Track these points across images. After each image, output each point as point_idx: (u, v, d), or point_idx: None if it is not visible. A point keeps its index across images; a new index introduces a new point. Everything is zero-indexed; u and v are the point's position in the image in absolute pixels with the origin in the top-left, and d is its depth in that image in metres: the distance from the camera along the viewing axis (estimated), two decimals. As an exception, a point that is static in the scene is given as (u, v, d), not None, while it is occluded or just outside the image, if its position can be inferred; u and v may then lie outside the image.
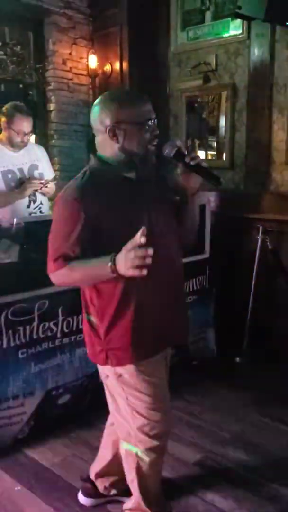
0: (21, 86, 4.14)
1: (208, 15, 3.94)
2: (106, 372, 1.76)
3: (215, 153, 4.26)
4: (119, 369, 1.69)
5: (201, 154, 4.41)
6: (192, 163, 1.64)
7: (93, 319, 1.71)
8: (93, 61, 4.46)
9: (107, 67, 4.43)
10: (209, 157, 4.25)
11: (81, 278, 1.61)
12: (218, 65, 3.90)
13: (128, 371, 1.69)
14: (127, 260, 1.39)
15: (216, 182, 1.66)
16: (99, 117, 1.62)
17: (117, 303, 1.63)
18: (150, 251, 1.36)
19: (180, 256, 1.82)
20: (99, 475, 2.06)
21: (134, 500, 1.87)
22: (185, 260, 3.13)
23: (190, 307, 3.29)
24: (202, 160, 1.68)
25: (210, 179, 1.67)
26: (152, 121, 1.62)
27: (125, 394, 1.72)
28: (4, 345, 2.33)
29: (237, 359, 3.49)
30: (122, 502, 2.01)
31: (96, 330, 1.70)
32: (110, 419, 2.00)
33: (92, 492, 2.07)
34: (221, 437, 2.58)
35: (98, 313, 1.68)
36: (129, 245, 1.39)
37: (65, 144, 4.40)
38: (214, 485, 2.19)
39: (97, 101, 1.66)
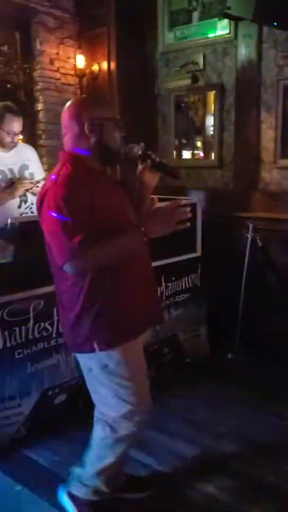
0: (8, 86, 4.11)
1: (195, 15, 3.97)
2: (90, 365, 1.83)
3: (203, 152, 4.30)
4: (105, 360, 1.78)
5: (188, 153, 4.45)
6: (157, 159, 1.84)
7: (78, 311, 1.76)
8: (80, 61, 4.46)
9: (95, 67, 4.43)
10: (197, 157, 4.29)
11: (114, 253, 1.69)
12: (206, 64, 3.94)
13: (113, 360, 1.77)
14: (171, 219, 1.68)
15: (176, 176, 1.90)
16: (76, 114, 1.76)
17: (105, 291, 1.74)
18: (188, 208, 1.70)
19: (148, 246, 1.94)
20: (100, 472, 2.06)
21: (91, 470, 1.94)
22: (177, 258, 3.24)
23: (183, 305, 3.33)
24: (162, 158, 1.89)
25: (171, 174, 1.90)
26: (121, 123, 1.81)
27: (110, 384, 1.81)
28: (0, 346, 2.32)
29: (229, 356, 3.54)
30: (123, 499, 2.04)
31: (82, 321, 1.76)
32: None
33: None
34: (216, 431, 2.61)
35: (86, 302, 1.74)
36: (170, 206, 1.69)
37: (53, 143, 4.39)
38: (212, 478, 2.23)
39: (71, 102, 1.82)
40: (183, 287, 3.33)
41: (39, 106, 4.39)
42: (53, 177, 1.70)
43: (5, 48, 4.09)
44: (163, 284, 3.14)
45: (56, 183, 1.67)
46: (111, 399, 1.83)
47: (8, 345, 2.36)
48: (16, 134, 3.01)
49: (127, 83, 4.33)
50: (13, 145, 3.05)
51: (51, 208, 1.64)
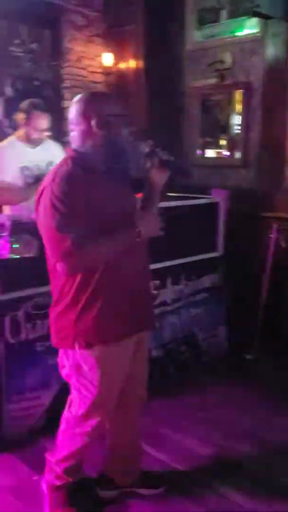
0: (36, 83, 4.17)
1: (223, 13, 3.95)
2: (64, 362, 1.85)
3: (228, 151, 4.28)
4: (81, 360, 1.78)
5: (213, 152, 4.43)
6: (164, 157, 1.82)
7: (65, 305, 1.77)
8: (108, 59, 4.49)
9: (122, 65, 4.46)
10: (222, 156, 4.28)
11: (107, 252, 1.70)
12: (233, 63, 3.91)
13: (89, 362, 1.77)
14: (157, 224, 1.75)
15: (186, 174, 1.93)
16: (83, 110, 1.73)
17: (94, 286, 1.72)
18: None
19: (145, 247, 1.91)
20: (111, 467, 2.11)
21: (55, 456, 1.97)
22: (197, 257, 3.24)
23: (202, 304, 3.33)
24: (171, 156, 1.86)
25: (180, 172, 1.91)
26: (127, 119, 1.81)
27: (78, 385, 1.83)
28: (23, 338, 2.37)
29: (248, 356, 3.52)
30: (139, 494, 2.07)
31: (66, 315, 1.77)
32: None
33: (108, 484, 2.11)
34: (232, 431, 2.61)
35: (73, 298, 1.74)
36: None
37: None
38: (226, 479, 2.23)
39: (78, 98, 1.78)
40: (203, 286, 3.33)
41: (66, 104, 4.44)
42: (51, 174, 1.71)
43: (34, 45, 4.14)
44: (183, 282, 3.15)
45: (53, 182, 1.66)
46: (76, 395, 1.87)
47: (31, 337, 2.41)
48: (42, 131, 3.05)
49: (154, 81, 4.34)
50: (40, 141, 3.10)
51: (46, 206, 1.64)
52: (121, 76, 4.47)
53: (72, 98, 4.31)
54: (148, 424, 2.64)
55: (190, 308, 3.27)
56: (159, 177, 1.87)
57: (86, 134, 1.73)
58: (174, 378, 3.12)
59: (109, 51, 4.49)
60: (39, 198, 1.70)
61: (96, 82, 4.55)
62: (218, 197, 3.54)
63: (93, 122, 1.71)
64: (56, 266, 1.66)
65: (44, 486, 2.03)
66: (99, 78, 4.58)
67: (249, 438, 2.55)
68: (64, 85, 4.41)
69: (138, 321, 1.86)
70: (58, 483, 1.98)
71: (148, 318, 1.96)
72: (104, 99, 1.83)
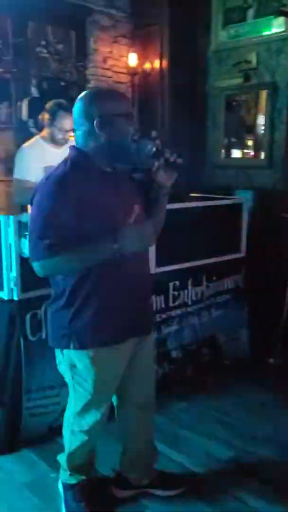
0: (62, 83, 4.21)
1: (250, 12, 3.92)
2: (60, 359, 1.85)
3: (253, 152, 4.24)
4: (75, 359, 1.78)
5: (238, 152, 4.40)
6: (171, 159, 1.71)
7: (61, 305, 1.76)
8: (133, 59, 4.51)
9: (147, 65, 4.47)
10: (247, 156, 4.24)
11: (79, 262, 1.68)
12: (259, 63, 3.87)
13: (83, 362, 1.77)
14: (141, 238, 1.62)
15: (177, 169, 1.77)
16: (85, 110, 1.68)
17: (88, 290, 1.71)
18: None
19: (147, 251, 1.89)
20: (124, 467, 2.10)
21: (63, 455, 2.00)
22: (219, 259, 3.21)
23: (224, 306, 3.30)
24: (178, 157, 1.75)
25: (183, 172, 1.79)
26: (133, 116, 1.73)
27: (72, 382, 1.84)
28: (43, 336, 2.39)
29: (271, 360, 3.47)
30: (155, 495, 2.07)
31: (61, 316, 1.77)
32: (119, 411, 2.05)
33: (124, 484, 2.10)
34: (253, 436, 2.57)
35: (69, 298, 1.73)
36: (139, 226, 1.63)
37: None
38: (246, 484, 2.20)
39: (80, 97, 1.72)
40: (225, 287, 3.29)
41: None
42: (47, 175, 1.70)
43: (60, 46, 4.18)
44: (204, 283, 3.12)
45: (44, 184, 1.65)
46: (71, 392, 1.89)
47: (50, 336, 2.42)
48: (67, 131, 3.06)
49: (179, 81, 4.34)
50: (65, 141, 3.11)
51: (33, 207, 1.64)
52: (146, 76, 4.48)
53: None
54: (167, 425, 2.65)
55: (211, 310, 3.24)
56: (166, 179, 1.77)
57: (89, 134, 1.68)
58: (195, 380, 3.10)
59: (134, 52, 4.51)
60: (32, 197, 1.69)
61: (121, 83, 4.57)
62: (242, 197, 3.51)
63: (95, 122, 1.65)
64: (33, 266, 1.67)
65: (60, 484, 2.04)
66: (124, 78, 4.60)
67: (269, 443, 2.51)
68: (89, 85, 4.45)
69: (133, 325, 1.83)
70: (71, 481, 2.00)
71: (143, 323, 1.90)
72: (107, 98, 1.73)
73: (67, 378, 1.88)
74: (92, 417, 1.86)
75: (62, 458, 2.02)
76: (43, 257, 1.62)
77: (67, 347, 1.77)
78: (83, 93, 1.74)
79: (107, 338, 1.76)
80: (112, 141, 1.67)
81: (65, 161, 1.71)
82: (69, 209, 1.60)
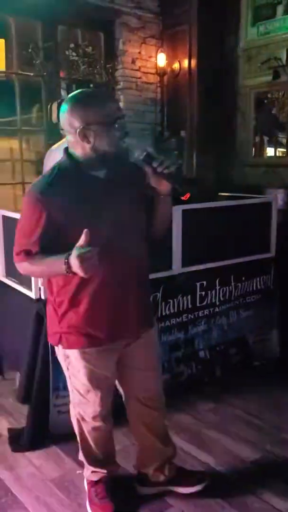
0: (91, 85, 4.26)
1: (280, 9, 3.87)
2: (56, 351, 1.91)
3: (284, 150, 4.18)
4: (68, 352, 1.83)
5: (269, 151, 4.34)
6: (158, 169, 1.68)
7: (52, 304, 1.82)
8: (161, 59, 4.51)
9: (176, 65, 4.46)
10: (279, 154, 4.18)
11: (39, 272, 1.83)
12: (289, 60, 3.82)
13: (74, 355, 1.81)
14: (76, 261, 1.50)
15: (177, 188, 1.75)
16: (68, 120, 1.64)
17: (73, 293, 1.73)
18: (93, 253, 1.50)
19: (143, 252, 1.85)
20: (139, 464, 2.12)
21: (80, 451, 2.06)
22: (248, 258, 3.18)
23: (253, 306, 3.26)
24: (172, 165, 1.70)
25: (176, 184, 1.74)
26: (121, 119, 1.66)
27: (68, 373, 1.90)
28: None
29: (301, 362, 3.41)
30: (179, 493, 2.07)
31: (53, 315, 1.82)
32: (127, 409, 2.07)
33: (145, 481, 2.11)
34: (280, 438, 2.54)
35: (56, 299, 1.79)
36: (76, 247, 1.51)
37: (132, 142, 4.48)
38: (271, 485, 2.17)
39: (64, 103, 1.67)
40: (254, 288, 3.26)
41: (120, 105, 4.50)
42: (36, 180, 1.70)
43: (89, 49, 4.24)
44: (232, 284, 3.10)
45: (29, 191, 1.67)
46: (68, 384, 1.94)
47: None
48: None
49: (207, 80, 4.32)
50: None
51: (20, 208, 1.69)
52: (174, 76, 4.48)
53: (126, 100, 4.47)
54: (194, 425, 2.65)
55: (240, 310, 3.21)
56: (161, 185, 1.74)
57: (75, 142, 1.66)
58: (224, 380, 3.08)
59: (162, 52, 4.51)
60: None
61: (149, 83, 4.59)
62: (271, 196, 3.46)
63: (77, 133, 1.62)
64: None
65: (85, 482, 2.08)
66: (152, 79, 4.61)
67: (297, 445, 2.48)
68: (118, 86, 4.48)
69: (123, 328, 1.82)
70: (94, 478, 2.03)
71: (132, 327, 1.85)
72: (87, 106, 1.63)
73: (64, 369, 1.93)
74: (91, 407, 1.89)
75: (80, 455, 2.08)
76: (16, 260, 1.73)
77: (58, 344, 1.85)
78: (67, 99, 1.69)
79: (94, 342, 1.77)
80: (97, 149, 1.65)
81: (53, 167, 1.70)
82: (50, 217, 1.60)
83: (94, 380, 1.84)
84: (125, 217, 1.74)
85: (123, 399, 2.06)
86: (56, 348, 1.91)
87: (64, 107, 1.66)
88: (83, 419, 1.95)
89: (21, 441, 2.46)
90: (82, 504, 2.04)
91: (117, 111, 1.68)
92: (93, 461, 2.03)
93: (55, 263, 1.61)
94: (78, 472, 2.21)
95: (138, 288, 1.84)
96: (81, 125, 1.61)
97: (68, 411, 2.46)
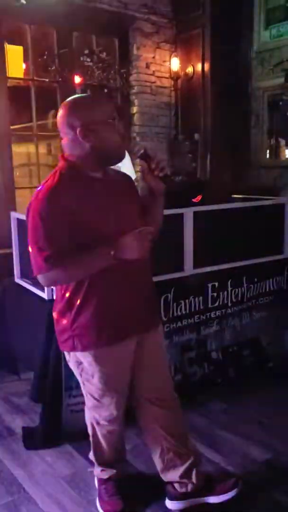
0: (105, 90, 4.31)
1: (292, 11, 3.87)
2: (67, 357, 1.92)
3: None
4: (80, 357, 1.84)
5: (285, 153, 4.33)
6: (155, 172, 1.78)
7: (63, 308, 1.81)
8: (175, 63, 4.55)
9: (189, 69, 4.50)
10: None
11: (78, 272, 1.71)
12: (302, 62, 3.82)
13: (87, 359, 1.81)
14: (140, 246, 1.63)
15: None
16: (67, 120, 1.67)
17: (84, 294, 1.74)
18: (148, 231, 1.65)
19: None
20: (163, 471, 2.05)
21: (91, 450, 2.08)
22: (261, 260, 3.18)
23: (266, 308, 3.26)
24: (166, 167, 1.78)
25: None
26: (116, 120, 1.71)
27: (81, 379, 1.91)
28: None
29: (316, 363, 3.39)
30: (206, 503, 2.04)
31: (63, 319, 1.82)
32: (139, 411, 2.05)
33: (174, 493, 2.05)
34: (292, 439, 2.54)
35: (67, 302, 1.78)
36: (139, 234, 1.63)
37: (147, 145, 4.53)
38: (282, 486, 2.18)
39: (62, 106, 1.71)
40: (267, 289, 3.25)
41: (134, 109, 4.55)
42: (39, 188, 1.69)
43: (103, 55, 4.29)
44: (244, 285, 3.10)
45: (36, 198, 1.65)
46: (82, 389, 1.95)
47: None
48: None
49: (221, 83, 4.34)
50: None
51: (28, 221, 1.67)
52: (188, 80, 4.51)
53: (140, 104, 4.52)
54: (206, 426, 2.66)
55: (253, 311, 3.21)
56: (157, 183, 1.82)
57: (74, 142, 1.68)
58: (237, 382, 3.08)
59: (176, 56, 4.55)
60: (27, 212, 1.70)
61: (163, 87, 4.63)
62: (284, 198, 3.45)
63: (78, 132, 1.65)
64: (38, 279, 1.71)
65: (95, 479, 2.11)
66: (166, 83, 4.65)
67: (309, 446, 2.47)
68: (133, 91, 4.53)
69: (133, 324, 1.84)
70: (104, 476, 2.05)
71: (145, 320, 1.90)
72: (87, 106, 1.70)
73: (76, 375, 1.94)
74: (106, 411, 1.91)
75: (91, 453, 2.10)
76: (44, 270, 1.65)
77: (72, 349, 1.83)
78: (65, 102, 1.73)
79: (107, 338, 1.79)
80: (98, 148, 1.68)
81: (54, 173, 1.71)
82: (62, 220, 1.62)
83: (109, 383, 1.86)
84: (128, 216, 1.78)
85: (134, 403, 2.04)
86: (67, 356, 1.92)
87: (63, 109, 1.69)
88: (98, 423, 1.97)
89: (35, 439, 2.50)
90: (92, 501, 2.08)
91: (113, 112, 1.72)
92: (104, 461, 2.06)
93: (93, 257, 1.66)
94: (89, 470, 2.24)
95: (146, 284, 1.90)
96: (82, 124, 1.64)
97: (81, 411, 2.52)
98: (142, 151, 1.80)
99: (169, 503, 2.06)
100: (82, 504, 2.09)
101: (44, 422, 2.50)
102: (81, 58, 4.21)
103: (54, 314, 1.88)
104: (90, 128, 1.65)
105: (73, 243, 1.64)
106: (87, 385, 1.90)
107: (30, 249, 1.68)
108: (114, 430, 1.98)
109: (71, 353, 1.87)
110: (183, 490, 2.03)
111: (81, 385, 1.95)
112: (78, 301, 1.76)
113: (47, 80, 4.14)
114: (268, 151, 4.34)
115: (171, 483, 2.05)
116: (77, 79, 4.08)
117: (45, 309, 2.44)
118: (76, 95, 1.79)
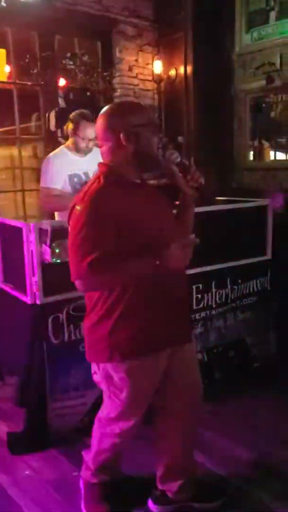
0: (88, 94, 4.32)
1: (272, 15, 3.92)
2: (95, 369, 1.87)
3: (282, 153, 4.20)
4: (111, 371, 1.79)
5: (268, 155, 4.37)
6: (191, 183, 1.79)
7: (101, 316, 1.76)
8: (158, 66, 4.57)
9: (172, 72, 4.52)
10: (278, 158, 4.20)
11: (120, 279, 1.69)
12: (283, 64, 3.85)
13: (119, 374, 1.78)
14: (186, 254, 1.62)
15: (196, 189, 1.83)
16: (109, 125, 1.70)
17: (127, 302, 1.71)
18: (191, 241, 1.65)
19: None
20: (164, 480, 2.04)
21: (89, 454, 2.03)
22: (244, 261, 3.20)
23: (250, 308, 3.28)
24: (201, 177, 1.79)
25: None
26: (156, 125, 1.72)
27: (109, 392, 1.87)
28: (66, 339, 2.46)
29: (300, 363, 3.42)
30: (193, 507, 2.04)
31: (100, 327, 1.77)
32: (160, 423, 2.03)
33: (162, 499, 2.05)
34: (277, 438, 2.56)
35: (108, 309, 1.74)
36: (184, 243, 1.62)
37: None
38: (266, 485, 2.19)
39: (102, 113, 1.73)
40: (251, 290, 3.27)
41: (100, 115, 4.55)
42: (82, 192, 1.69)
43: (86, 58, 4.30)
44: (229, 286, 3.12)
45: (82, 200, 1.65)
46: (105, 399, 1.92)
47: (73, 338, 2.49)
48: (90, 140, 3.15)
49: (204, 86, 4.37)
50: (88, 150, 3.20)
51: (72, 224, 1.65)
52: (171, 82, 4.53)
53: None
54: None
55: (237, 312, 3.23)
56: (190, 193, 1.83)
57: (116, 148, 1.69)
58: (222, 382, 3.09)
59: (159, 59, 4.57)
60: (70, 214, 1.70)
61: (146, 90, 4.64)
62: (266, 200, 3.48)
63: (121, 136, 1.66)
64: (75, 283, 1.68)
65: (81, 482, 2.09)
66: (149, 85, 4.67)
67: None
68: (116, 94, 4.54)
69: (172, 334, 1.82)
70: (93, 480, 2.03)
71: (182, 330, 1.91)
72: (130, 110, 1.74)
73: (103, 388, 1.89)
74: (126, 423, 1.88)
75: (88, 456, 2.05)
76: (85, 276, 1.62)
77: (108, 360, 1.77)
78: (104, 109, 1.75)
79: (148, 346, 1.76)
80: (140, 152, 1.69)
81: (97, 178, 1.71)
82: (107, 225, 1.60)
83: (137, 399, 1.83)
84: (168, 223, 1.80)
85: (156, 417, 2.01)
86: (94, 368, 1.88)
87: (104, 115, 1.71)
88: (116, 435, 1.92)
89: (20, 444, 2.49)
90: (77, 504, 2.07)
91: (152, 118, 1.77)
92: (102, 466, 2.02)
93: (137, 265, 1.65)
94: (74, 474, 2.23)
95: (184, 296, 1.92)
96: (124, 128, 1.66)
97: (66, 414, 2.52)
98: (179, 159, 1.79)
99: (155, 507, 2.06)
100: (67, 508, 2.08)
101: (29, 426, 2.49)
102: (64, 61, 4.20)
103: (87, 323, 1.83)
104: (133, 132, 1.67)
105: (117, 248, 1.62)
106: (113, 398, 1.86)
107: (69, 252, 1.66)
108: (127, 440, 1.97)
109: (101, 367, 1.82)
110: (175, 498, 2.04)
111: (106, 398, 1.91)
112: (121, 309, 1.72)
113: (29, 83, 4.13)
114: (252, 153, 4.38)
115: (164, 490, 2.05)
116: (61, 82, 4.07)
117: (28, 313, 2.43)
118: (115, 103, 1.81)
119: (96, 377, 1.91)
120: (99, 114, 1.75)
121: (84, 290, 1.71)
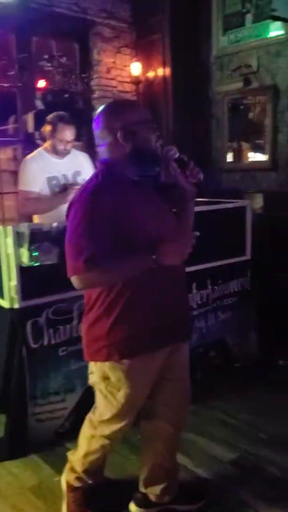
0: (66, 95, 4.30)
1: (248, 17, 3.96)
2: (93, 369, 1.86)
3: (258, 155, 4.24)
4: (108, 372, 1.78)
5: (245, 156, 4.40)
6: (190, 178, 1.79)
7: (100, 314, 1.75)
8: (136, 68, 4.57)
9: (150, 74, 4.53)
10: (251, 159, 4.24)
11: (116, 275, 1.67)
12: (259, 66, 3.89)
13: (116, 374, 1.76)
14: (183, 251, 1.66)
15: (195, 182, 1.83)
16: (106, 123, 1.70)
17: (126, 299, 1.70)
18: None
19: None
20: (147, 483, 2.03)
21: (76, 456, 2.00)
22: (224, 262, 3.22)
23: (231, 308, 3.30)
24: (200, 172, 1.79)
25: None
26: (152, 122, 1.73)
27: (105, 392, 1.83)
28: (45, 343, 2.44)
29: (281, 362, 3.45)
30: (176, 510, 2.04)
31: (98, 326, 1.76)
32: (147, 425, 2.02)
33: (143, 502, 2.04)
34: (257, 437, 2.57)
35: (107, 308, 1.73)
36: (183, 239, 1.65)
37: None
38: (247, 485, 2.20)
39: (99, 112, 1.74)
40: (231, 290, 3.29)
41: (96, 114, 4.54)
42: (81, 189, 1.70)
43: (64, 59, 4.28)
44: (209, 287, 3.14)
45: (80, 197, 1.65)
46: (99, 400, 1.88)
47: (53, 342, 2.48)
48: (68, 142, 3.13)
49: (182, 88, 4.39)
50: (66, 152, 3.18)
51: (70, 221, 1.64)
52: (149, 84, 4.54)
53: None
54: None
55: (218, 313, 3.24)
56: (189, 184, 1.81)
57: (114, 146, 1.69)
58: (203, 382, 3.10)
59: (137, 61, 4.57)
60: (68, 212, 1.69)
61: (125, 92, 4.64)
62: (245, 201, 3.51)
63: (119, 134, 1.67)
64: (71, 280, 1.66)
65: (63, 485, 2.06)
66: (128, 87, 4.67)
67: (274, 444, 2.51)
68: (94, 96, 4.53)
69: (170, 333, 1.82)
70: (76, 484, 2.01)
71: (181, 328, 1.91)
72: (127, 108, 1.76)
73: (100, 388, 1.86)
74: (118, 425, 1.86)
75: (74, 459, 2.01)
76: (82, 271, 1.60)
77: (107, 359, 1.75)
78: (100, 108, 1.75)
79: (146, 346, 1.75)
80: (138, 150, 1.68)
81: (96, 175, 1.71)
82: (105, 221, 1.59)
83: (132, 400, 1.81)
84: (167, 220, 1.80)
85: (145, 420, 1.99)
86: (92, 367, 1.87)
87: (101, 114, 1.72)
88: (106, 437, 1.91)
89: (0, 450, 2.45)
90: (59, 510, 2.05)
91: (149, 115, 1.75)
92: (87, 470, 1.99)
93: (134, 261, 1.64)
94: (55, 479, 2.21)
95: (183, 294, 1.92)
96: (122, 126, 1.66)
97: (46, 419, 2.49)
98: (177, 155, 1.77)
99: (137, 510, 2.05)
100: (49, 514, 2.06)
101: (8, 432, 2.46)
102: (41, 63, 4.17)
103: (85, 323, 1.82)
104: (131, 130, 1.67)
105: (114, 246, 1.61)
106: (109, 400, 1.83)
107: (66, 248, 1.65)
108: (115, 442, 1.96)
109: (98, 366, 1.81)
110: (157, 501, 2.03)
111: (101, 398, 1.87)
112: (119, 309, 1.71)
113: (6, 85, 4.09)
114: (231, 154, 4.41)
115: (147, 493, 2.04)
116: (40, 84, 4.05)
117: (6, 317, 2.40)
118: (112, 101, 1.80)
119: (93, 377, 1.89)
120: (97, 113, 1.75)
121: (80, 286, 1.68)
